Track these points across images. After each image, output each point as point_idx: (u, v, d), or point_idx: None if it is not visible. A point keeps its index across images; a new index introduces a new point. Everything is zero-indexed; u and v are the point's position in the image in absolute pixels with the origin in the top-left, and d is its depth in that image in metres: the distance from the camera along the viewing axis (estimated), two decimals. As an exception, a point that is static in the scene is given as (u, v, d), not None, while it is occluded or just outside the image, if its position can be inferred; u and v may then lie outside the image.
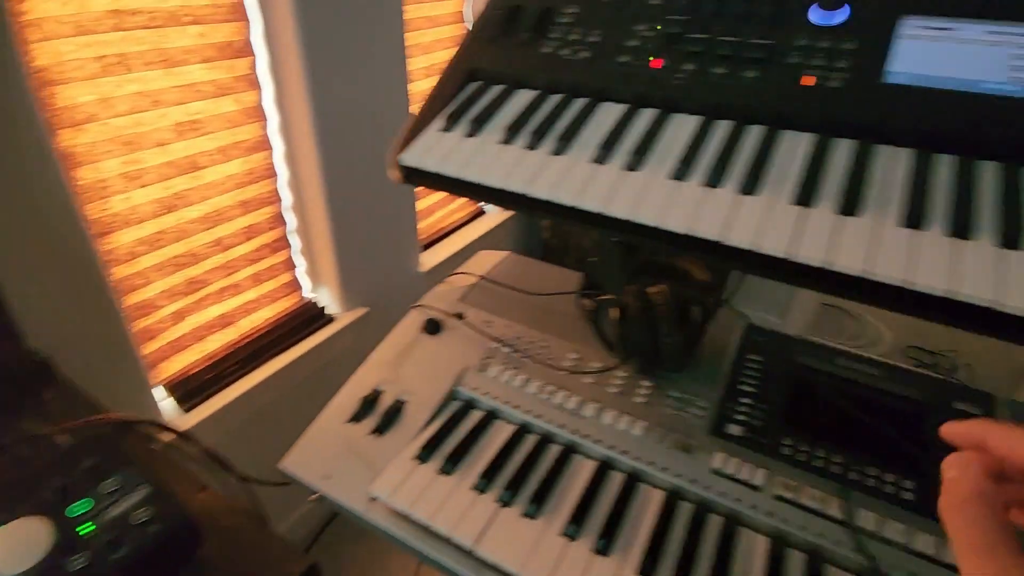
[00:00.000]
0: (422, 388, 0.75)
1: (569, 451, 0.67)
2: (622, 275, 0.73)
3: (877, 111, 0.51)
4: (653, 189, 0.51)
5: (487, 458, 0.66)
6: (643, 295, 0.68)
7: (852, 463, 0.61)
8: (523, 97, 0.64)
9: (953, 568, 0.52)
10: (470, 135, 0.60)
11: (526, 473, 0.64)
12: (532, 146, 0.58)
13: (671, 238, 0.49)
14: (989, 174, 0.47)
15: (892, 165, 0.49)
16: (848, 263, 0.43)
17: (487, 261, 0.97)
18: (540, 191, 0.54)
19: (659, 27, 0.62)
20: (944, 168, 0.48)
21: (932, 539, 0.53)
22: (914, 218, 0.44)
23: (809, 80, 0.54)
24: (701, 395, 0.70)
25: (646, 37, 0.62)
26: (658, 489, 0.62)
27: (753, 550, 0.56)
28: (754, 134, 0.54)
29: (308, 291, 1.45)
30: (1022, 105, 0.47)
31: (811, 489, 0.59)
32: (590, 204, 0.51)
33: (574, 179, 0.54)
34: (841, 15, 0.57)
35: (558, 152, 0.56)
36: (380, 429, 0.71)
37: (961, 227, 0.43)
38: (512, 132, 0.59)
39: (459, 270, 0.95)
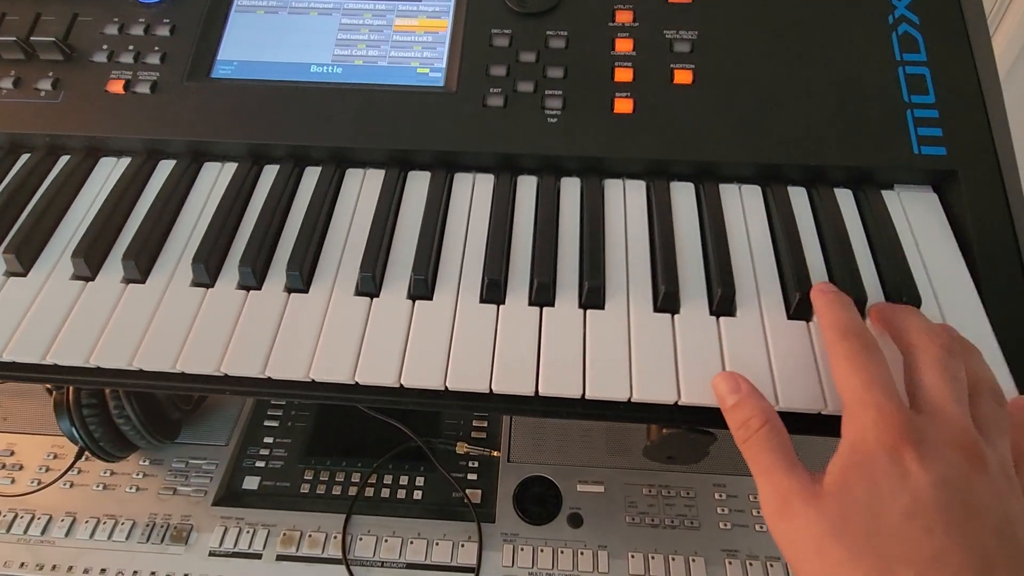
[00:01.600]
0: None
1: (39, 595, 0.51)
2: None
3: (207, 123, 0.41)
4: None
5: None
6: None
7: (367, 478, 0.57)
8: None
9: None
10: None
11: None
12: None
13: None
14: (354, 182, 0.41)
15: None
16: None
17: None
18: None
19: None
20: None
21: (423, 544, 0.52)
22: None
23: (117, 86, 0.41)
24: (212, 454, 0.60)
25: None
26: (151, 602, 0.51)
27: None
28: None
29: None
30: (347, 94, 0.41)
31: (314, 534, 0.53)
32: None
33: None
34: (170, -13, 0.45)
35: None
36: None
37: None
38: None
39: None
